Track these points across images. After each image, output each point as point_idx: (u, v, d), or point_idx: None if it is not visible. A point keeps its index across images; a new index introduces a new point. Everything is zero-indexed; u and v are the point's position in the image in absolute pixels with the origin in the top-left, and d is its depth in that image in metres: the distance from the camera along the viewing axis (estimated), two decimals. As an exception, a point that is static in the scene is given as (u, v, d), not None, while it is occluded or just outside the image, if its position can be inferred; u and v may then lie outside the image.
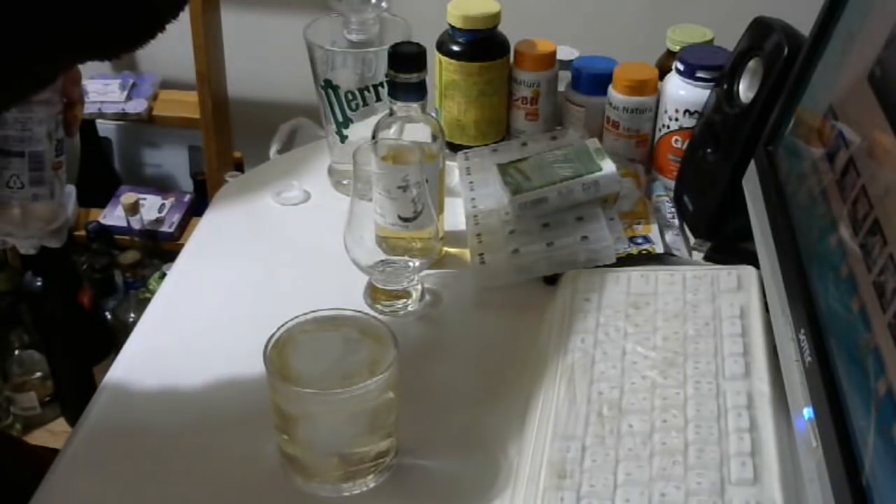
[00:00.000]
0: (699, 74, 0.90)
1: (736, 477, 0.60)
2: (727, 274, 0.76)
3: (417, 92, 0.79)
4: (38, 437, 1.69)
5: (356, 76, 0.90)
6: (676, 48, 0.98)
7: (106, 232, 1.83)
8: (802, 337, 0.61)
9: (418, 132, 0.80)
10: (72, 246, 1.87)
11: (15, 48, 0.58)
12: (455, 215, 0.90)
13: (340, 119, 0.92)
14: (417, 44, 0.78)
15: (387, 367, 0.62)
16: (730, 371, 0.68)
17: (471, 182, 0.93)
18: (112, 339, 1.71)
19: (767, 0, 1.01)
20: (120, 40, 0.62)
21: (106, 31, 0.61)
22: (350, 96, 0.90)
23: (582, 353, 0.71)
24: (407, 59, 0.77)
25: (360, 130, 0.91)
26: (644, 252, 0.86)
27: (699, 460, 0.62)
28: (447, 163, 0.88)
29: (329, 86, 0.90)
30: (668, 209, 0.93)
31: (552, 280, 0.83)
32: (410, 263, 0.80)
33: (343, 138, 0.93)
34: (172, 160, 2.10)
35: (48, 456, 0.70)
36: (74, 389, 1.66)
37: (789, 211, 0.71)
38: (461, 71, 0.97)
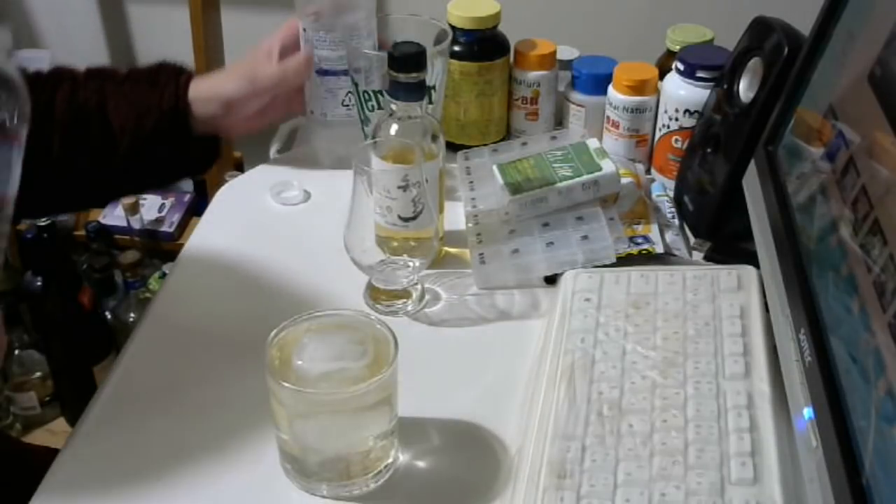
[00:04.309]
0: (699, 74, 0.90)
1: (736, 477, 0.60)
2: (727, 274, 0.76)
3: (417, 92, 0.79)
4: (38, 437, 1.69)
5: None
6: (676, 48, 0.98)
7: (106, 232, 1.83)
8: (802, 337, 0.61)
9: (418, 132, 0.80)
10: (72, 246, 1.87)
11: None
12: (455, 215, 0.90)
13: (361, 117, 0.92)
14: (417, 44, 0.78)
15: (387, 367, 0.62)
16: (730, 371, 0.68)
17: (471, 182, 0.93)
18: (112, 339, 1.71)
19: (767, 0, 1.01)
20: None
21: None
22: (367, 96, 0.90)
23: (582, 353, 0.71)
24: (407, 59, 0.77)
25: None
26: (644, 252, 0.86)
27: (699, 460, 0.62)
28: (447, 163, 0.88)
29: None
30: (668, 209, 0.93)
31: (552, 280, 0.83)
32: (410, 263, 0.80)
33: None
34: (172, 160, 2.09)
35: (47, 457, 0.70)
36: (74, 389, 1.66)
37: (789, 211, 0.71)
38: (461, 71, 0.97)
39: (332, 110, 0.95)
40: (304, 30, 0.91)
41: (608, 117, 0.97)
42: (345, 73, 0.92)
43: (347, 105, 0.95)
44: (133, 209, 1.80)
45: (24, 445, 1.06)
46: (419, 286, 0.83)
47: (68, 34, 2.00)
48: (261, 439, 0.68)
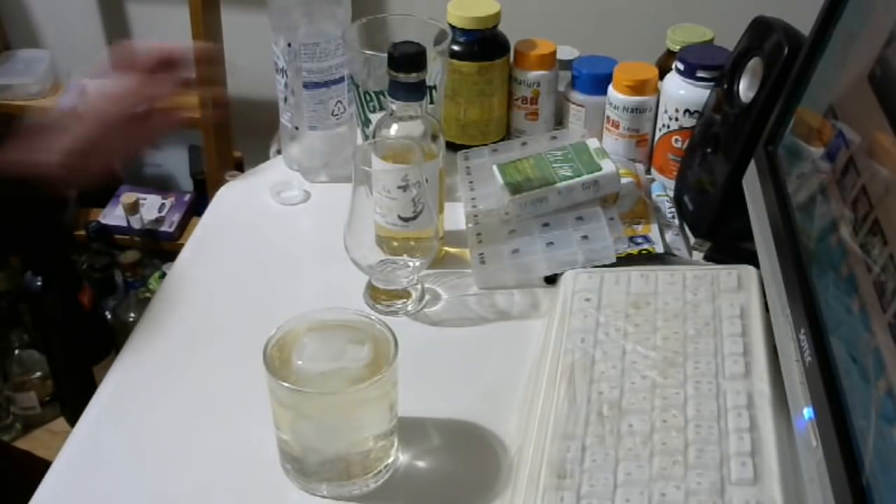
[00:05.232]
0: (699, 74, 0.90)
1: (736, 477, 0.60)
2: (727, 274, 0.76)
3: (417, 92, 0.79)
4: (38, 437, 1.69)
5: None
6: (676, 48, 0.98)
7: (106, 232, 1.83)
8: (802, 337, 0.61)
9: (418, 132, 0.80)
10: (72, 246, 1.87)
11: None
12: (455, 215, 0.91)
13: (362, 118, 0.92)
14: (417, 44, 0.78)
15: (387, 367, 0.62)
16: (730, 371, 0.68)
17: (471, 182, 0.93)
18: (112, 339, 1.70)
19: (767, 0, 1.01)
20: None
21: None
22: (368, 97, 0.90)
23: (582, 353, 0.71)
24: (407, 59, 0.77)
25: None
26: (644, 252, 0.86)
27: (699, 460, 0.62)
28: (447, 163, 0.88)
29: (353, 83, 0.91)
30: (668, 209, 0.93)
31: (552, 280, 0.83)
32: (410, 263, 0.80)
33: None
34: (172, 160, 2.09)
35: (38, 466, 0.69)
36: (74, 389, 1.66)
37: (789, 211, 0.71)
38: (461, 71, 0.97)
39: (322, 122, 0.94)
40: (289, 44, 0.90)
41: (608, 117, 0.97)
42: (335, 82, 0.92)
43: (336, 114, 0.94)
44: (133, 209, 1.80)
45: (12, 449, 1.06)
46: (419, 286, 0.83)
47: (68, 34, 1.99)
48: (261, 439, 0.68)
